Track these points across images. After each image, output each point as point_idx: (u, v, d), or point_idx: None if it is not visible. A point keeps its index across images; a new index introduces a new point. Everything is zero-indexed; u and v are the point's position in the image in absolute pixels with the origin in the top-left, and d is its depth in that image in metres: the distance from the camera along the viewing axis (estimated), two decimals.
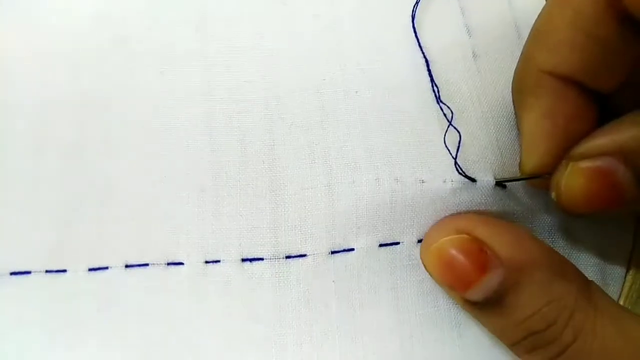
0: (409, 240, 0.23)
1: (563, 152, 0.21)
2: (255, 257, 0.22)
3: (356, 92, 0.24)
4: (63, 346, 0.22)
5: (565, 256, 0.21)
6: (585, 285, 0.20)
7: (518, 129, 0.23)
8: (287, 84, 0.24)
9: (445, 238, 0.21)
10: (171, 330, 0.22)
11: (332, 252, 0.23)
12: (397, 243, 0.23)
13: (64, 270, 0.23)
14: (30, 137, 0.24)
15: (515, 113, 0.23)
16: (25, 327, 0.23)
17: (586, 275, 0.21)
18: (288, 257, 0.22)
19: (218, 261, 0.22)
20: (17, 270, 0.23)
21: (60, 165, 0.23)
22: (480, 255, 0.20)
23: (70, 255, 0.23)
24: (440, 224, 0.22)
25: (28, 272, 0.23)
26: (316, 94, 0.23)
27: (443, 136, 0.23)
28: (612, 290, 0.24)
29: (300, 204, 0.23)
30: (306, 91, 0.24)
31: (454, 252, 0.20)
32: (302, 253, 0.22)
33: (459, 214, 0.23)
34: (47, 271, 0.23)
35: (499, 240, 0.20)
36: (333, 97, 0.23)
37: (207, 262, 0.22)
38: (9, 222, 0.23)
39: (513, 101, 0.23)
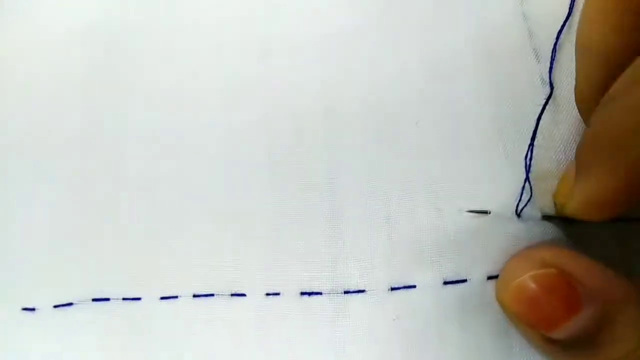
0: (477, 277, 0.21)
1: None
2: (314, 291, 0.22)
3: (417, 122, 0.23)
4: None
5: None
6: None
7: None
8: (349, 118, 0.23)
9: (529, 273, 0.19)
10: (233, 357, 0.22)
11: (392, 289, 0.21)
12: (465, 280, 0.21)
13: (139, 298, 0.24)
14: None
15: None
16: (105, 353, 0.24)
17: None
18: (346, 292, 0.22)
19: (278, 294, 0.22)
20: (98, 297, 0.24)
21: (141, 202, 0.25)
22: (571, 293, 0.18)
23: (145, 284, 0.24)
24: (522, 257, 0.20)
25: (107, 299, 0.24)
26: (376, 128, 0.23)
27: (508, 166, 0.21)
28: None
29: (358, 237, 0.22)
30: (367, 123, 0.23)
31: (539, 289, 0.18)
32: (361, 289, 0.22)
33: (540, 245, 0.21)
34: (124, 299, 0.24)
35: (589, 274, 0.18)
36: (393, 130, 0.23)
37: (267, 294, 0.23)
38: (93, 251, 0.25)
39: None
